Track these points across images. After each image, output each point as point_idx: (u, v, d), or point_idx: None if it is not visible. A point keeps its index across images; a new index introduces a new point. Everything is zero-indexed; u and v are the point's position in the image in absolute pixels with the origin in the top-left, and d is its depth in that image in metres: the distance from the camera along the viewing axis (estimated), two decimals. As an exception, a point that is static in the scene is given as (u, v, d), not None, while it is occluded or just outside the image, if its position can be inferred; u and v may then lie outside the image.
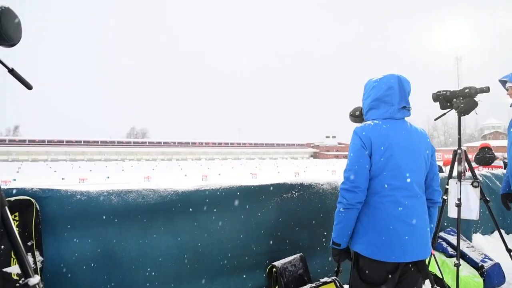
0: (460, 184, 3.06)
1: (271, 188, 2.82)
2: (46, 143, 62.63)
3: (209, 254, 2.51)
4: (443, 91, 3.08)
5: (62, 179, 21.49)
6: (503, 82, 3.07)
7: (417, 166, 2.00)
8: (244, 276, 2.65)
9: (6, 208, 1.32)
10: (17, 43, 1.50)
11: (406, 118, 2.14)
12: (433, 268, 3.17)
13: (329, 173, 36.83)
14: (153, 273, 2.33)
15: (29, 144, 60.34)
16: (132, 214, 2.29)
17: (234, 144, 77.50)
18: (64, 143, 63.94)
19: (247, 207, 2.64)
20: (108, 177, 22.96)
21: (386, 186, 1.94)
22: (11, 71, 1.54)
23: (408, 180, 1.95)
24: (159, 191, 2.39)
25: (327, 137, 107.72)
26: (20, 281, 1.85)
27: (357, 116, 2.75)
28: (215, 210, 2.54)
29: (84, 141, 65.99)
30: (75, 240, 2.14)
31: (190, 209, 2.46)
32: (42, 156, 54.47)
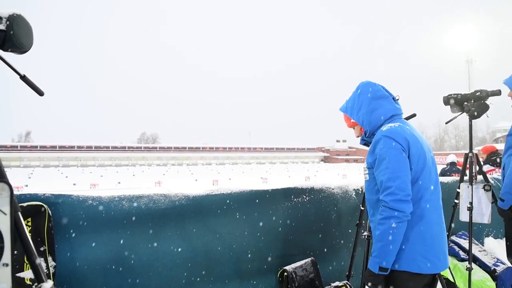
0: (472, 187, 3.03)
1: (282, 192, 2.81)
2: (57, 148, 63.43)
3: (220, 258, 2.51)
4: (454, 94, 3.05)
5: (74, 184, 21.70)
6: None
7: (435, 167, 1.96)
8: (255, 281, 2.63)
9: (19, 213, 1.33)
10: (28, 50, 1.52)
11: None
12: (444, 272, 3.12)
13: (340, 177, 36.60)
14: (164, 278, 2.33)
15: (41, 150, 61.13)
16: (144, 219, 2.30)
17: (245, 149, 77.56)
18: (75, 148, 64.68)
19: (258, 211, 2.62)
20: (119, 183, 23.12)
21: (426, 190, 1.83)
22: (23, 78, 1.56)
23: (434, 182, 1.89)
24: (170, 196, 2.39)
25: (338, 141, 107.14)
26: (33, 286, 1.87)
27: None
28: (226, 214, 2.53)
29: (95, 147, 66.70)
30: (87, 245, 2.15)
31: (201, 214, 2.46)
32: (54, 162, 55.13)
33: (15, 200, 1.31)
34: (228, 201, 2.54)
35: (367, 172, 1.98)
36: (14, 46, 1.42)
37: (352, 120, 2.13)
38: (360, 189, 3.17)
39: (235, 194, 2.56)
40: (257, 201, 2.62)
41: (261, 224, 2.63)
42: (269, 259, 2.68)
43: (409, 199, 1.76)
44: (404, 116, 2.11)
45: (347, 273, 2.70)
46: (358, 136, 2.17)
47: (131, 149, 69.33)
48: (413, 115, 2.42)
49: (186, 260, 2.39)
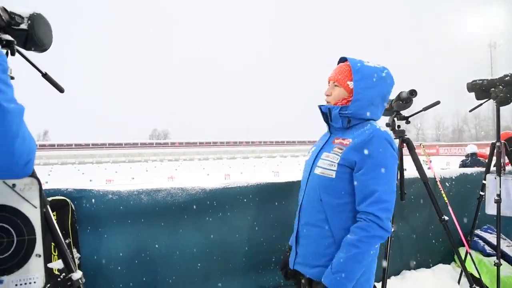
0: (500, 179, 2.88)
1: (298, 185, 2.81)
2: (73, 146, 64.57)
3: (237, 251, 2.54)
4: (479, 80, 2.89)
5: (90, 180, 22.02)
6: None
7: None
8: (273, 273, 2.65)
9: (48, 206, 1.39)
10: (48, 48, 1.56)
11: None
12: (469, 267, 3.06)
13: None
14: (183, 270, 2.38)
15: (58, 148, 62.23)
16: (162, 212, 2.35)
17: (255, 142, 77.58)
18: (90, 146, 65.73)
19: (275, 204, 2.64)
20: (133, 178, 23.36)
21: None
22: (45, 75, 1.61)
23: None
24: (187, 190, 2.43)
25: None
26: (61, 276, 1.94)
27: (386, 109, 2.65)
28: (242, 207, 2.56)
29: (109, 144, 67.64)
30: (108, 238, 2.22)
31: (218, 207, 2.48)
32: (71, 159, 56.00)
33: (44, 194, 1.36)
34: (244, 194, 2.56)
35: (335, 168, 1.58)
36: (36, 44, 1.46)
37: (348, 83, 1.65)
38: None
39: (251, 186, 2.58)
40: (273, 193, 2.63)
41: (278, 216, 2.64)
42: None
43: None
44: (426, 104, 1.97)
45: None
46: (327, 95, 1.72)
47: (143, 146, 70.16)
48: (437, 103, 2.32)
49: (204, 252, 2.44)
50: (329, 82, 1.74)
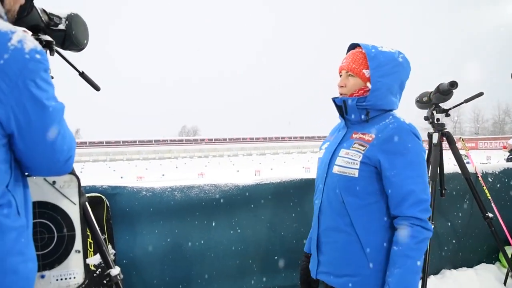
0: None
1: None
2: (104, 144, 66.68)
3: (271, 249, 2.51)
4: None
5: (121, 177, 22.61)
6: None
7: None
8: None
9: (87, 203, 1.41)
10: (85, 47, 1.59)
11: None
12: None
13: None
14: (217, 267, 2.37)
15: (90, 146, 64.48)
16: (195, 209, 2.34)
17: (285, 138, 76.94)
18: (121, 143, 67.74)
19: (309, 200, 2.59)
20: (163, 175, 23.85)
21: None
22: (82, 74, 1.63)
23: None
24: (220, 186, 2.42)
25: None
26: (97, 272, 1.98)
27: (424, 102, 2.55)
28: (276, 204, 2.52)
29: (139, 141, 69.41)
30: (143, 234, 2.24)
31: (251, 203, 2.46)
32: (102, 157, 57.69)
33: (82, 191, 1.38)
34: (278, 190, 2.52)
35: (357, 166, 1.45)
36: (73, 44, 1.49)
37: (364, 71, 1.50)
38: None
39: (285, 182, 2.54)
40: (307, 190, 2.58)
41: (311, 214, 2.59)
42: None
43: None
44: (469, 95, 1.86)
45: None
46: (341, 87, 1.56)
47: (173, 142, 71.51)
48: (480, 94, 2.21)
49: (237, 250, 2.42)
50: (340, 72, 1.58)
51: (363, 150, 1.45)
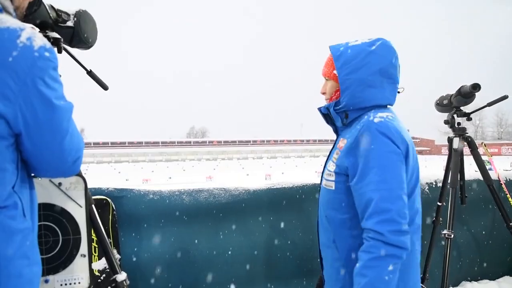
0: None
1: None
2: (109, 145, 66.58)
3: (282, 255, 2.44)
4: None
5: (126, 180, 22.47)
6: None
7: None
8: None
9: (93, 206, 1.35)
10: (93, 45, 1.53)
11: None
12: None
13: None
14: (225, 273, 2.31)
15: (94, 147, 64.43)
16: (204, 213, 2.29)
17: (297, 141, 75.92)
18: (126, 144, 67.66)
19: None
20: (170, 178, 23.74)
21: (417, 213, 1.36)
22: (90, 73, 1.58)
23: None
24: (230, 190, 2.36)
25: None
26: (102, 277, 1.92)
27: (445, 105, 2.47)
28: (288, 209, 2.45)
29: (145, 142, 69.24)
30: (149, 238, 2.18)
31: (262, 209, 2.40)
32: (106, 158, 57.67)
33: (89, 193, 1.32)
34: (289, 195, 2.45)
35: (333, 178, 1.36)
36: (81, 42, 1.44)
37: (334, 72, 1.41)
38: (434, 183, 2.91)
39: (297, 187, 2.47)
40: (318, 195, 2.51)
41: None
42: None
43: (408, 229, 1.22)
44: (493, 98, 1.77)
45: (421, 275, 2.49)
46: (323, 93, 1.50)
47: (180, 144, 71.22)
48: (505, 97, 2.12)
49: (247, 255, 2.36)
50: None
51: (336, 159, 1.37)
